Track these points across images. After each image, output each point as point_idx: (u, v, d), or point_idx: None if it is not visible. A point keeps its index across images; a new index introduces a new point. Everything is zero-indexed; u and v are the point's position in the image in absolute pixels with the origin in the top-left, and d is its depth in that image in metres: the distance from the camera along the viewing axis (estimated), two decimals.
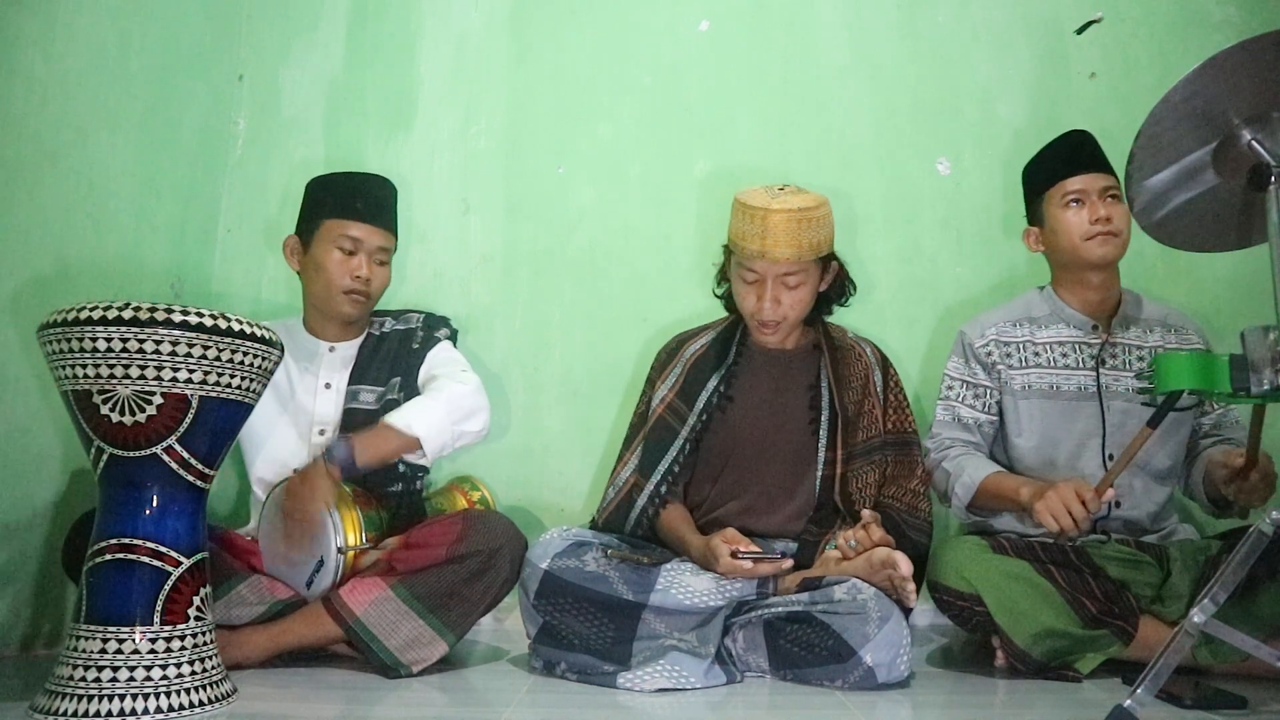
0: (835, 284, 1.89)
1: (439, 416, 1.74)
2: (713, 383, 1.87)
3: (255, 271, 2.31)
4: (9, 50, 1.63)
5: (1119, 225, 1.76)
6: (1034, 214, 1.90)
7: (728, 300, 1.95)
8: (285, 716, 1.32)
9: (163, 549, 1.30)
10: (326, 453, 1.64)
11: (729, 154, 2.34)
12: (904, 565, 1.54)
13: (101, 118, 1.85)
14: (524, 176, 2.35)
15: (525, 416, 2.26)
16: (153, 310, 1.27)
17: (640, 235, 2.32)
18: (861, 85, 2.36)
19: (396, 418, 1.71)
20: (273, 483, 1.76)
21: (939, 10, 2.38)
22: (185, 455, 1.32)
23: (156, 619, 1.28)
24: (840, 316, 1.98)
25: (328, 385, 1.89)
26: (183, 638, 1.30)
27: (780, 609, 1.57)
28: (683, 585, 1.63)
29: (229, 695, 1.35)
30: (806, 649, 1.54)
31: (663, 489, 1.82)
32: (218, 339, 1.31)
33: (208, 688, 1.31)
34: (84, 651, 1.25)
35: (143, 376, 1.27)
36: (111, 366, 1.26)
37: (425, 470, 1.92)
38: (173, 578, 1.30)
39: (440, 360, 1.92)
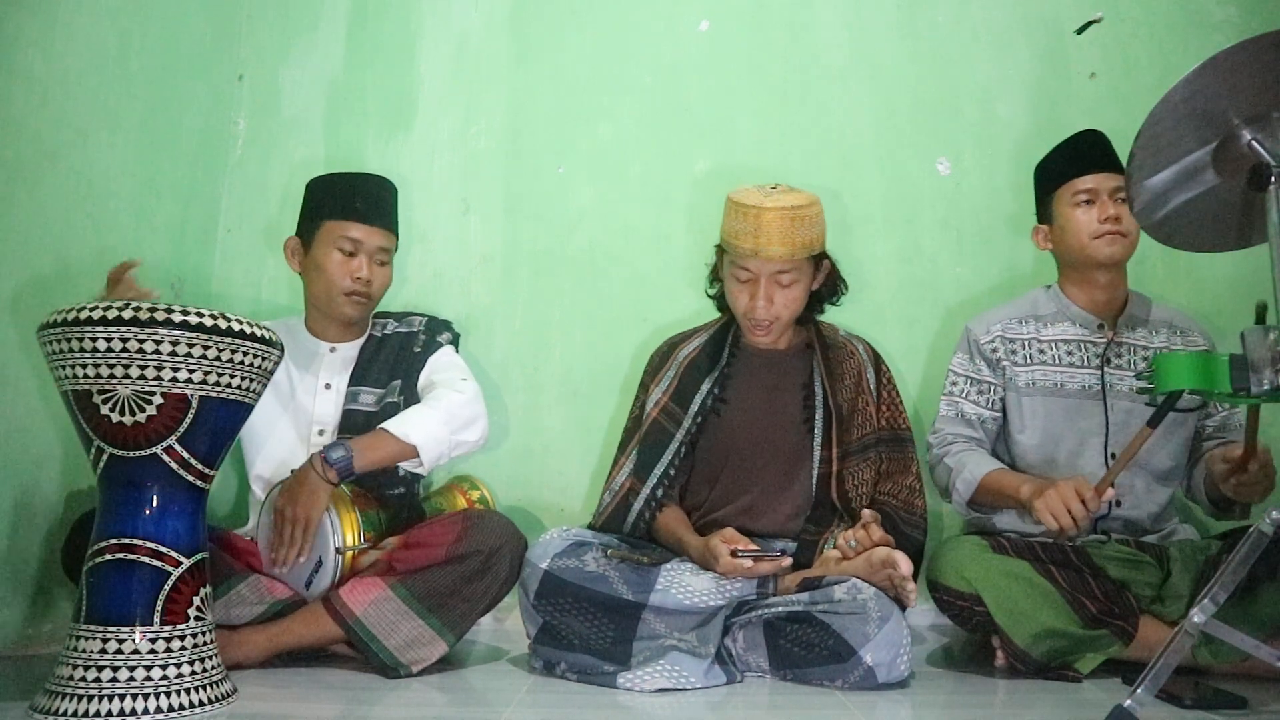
0: (827, 282, 1.89)
1: (437, 425, 1.73)
2: (706, 385, 1.87)
3: (255, 271, 2.31)
4: (9, 50, 1.63)
5: (1128, 226, 1.76)
6: (1044, 212, 1.90)
7: (720, 300, 1.95)
8: (285, 716, 1.32)
9: (163, 549, 1.30)
10: (324, 454, 1.64)
11: (729, 154, 2.34)
12: (904, 565, 1.54)
13: (101, 118, 1.85)
14: (524, 176, 2.35)
15: (525, 416, 2.26)
16: (153, 310, 1.27)
17: (640, 235, 2.32)
18: (861, 85, 2.36)
19: (395, 425, 1.70)
20: (272, 482, 1.76)
21: (939, 10, 2.38)
22: (185, 455, 1.32)
23: (156, 619, 1.28)
24: (840, 317, 1.98)
25: (328, 386, 1.89)
26: (183, 638, 1.30)
27: (780, 609, 1.57)
28: (683, 585, 1.63)
29: (229, 695, 1.35)
30: (806, 649, 1.54)
31: (659, 492, 1.83)
32: (218, 339, 1.31)
33: (208, 688, 1.31)
34: (84, 651, 1.25)
35: (143, 376, 1.27)
36: (111, 366, 1.26)
37: (426, 474, 1.92)
38: (173, 578, 1.30)
39: (441, 366, 1.92)
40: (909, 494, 1.82)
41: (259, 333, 1.36)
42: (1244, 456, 1.53)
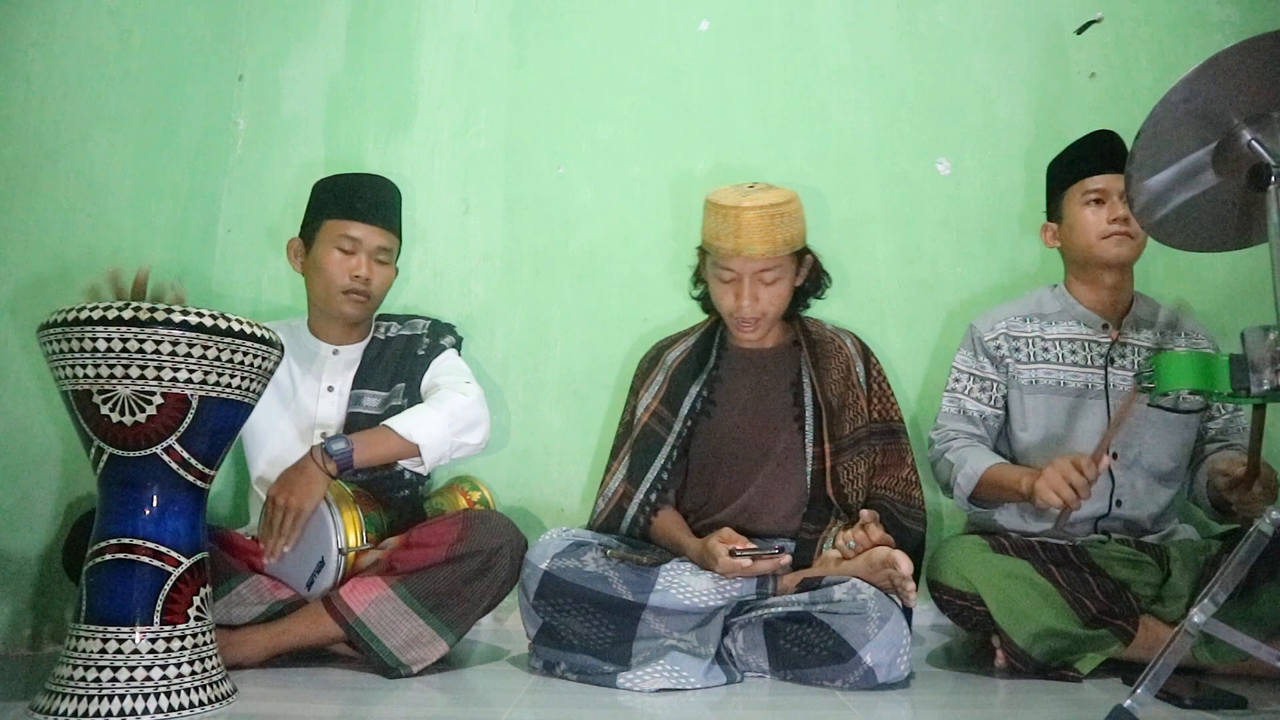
0: (811, 277, 1.90)
1: (440, 426, 1.74)
2: (695, 388, 1.87)
3: (255, 271, 2.30)
4: (9, 50, 1.63)
5: (1136, 227, 1.76)
6: (1053, 209, 1.90)
7: (705, 302, 1.95)
8: (285, 716, 1.32)
9: (163, 549, 1.30)
10: (325, 445, 1.64)
11: (729, 154, 2.34)
12: (904, 564, 1.54)
13: (101, 118, 1.85)
14: (524, 176, 2.35)
15: (525, 417, 2.26)
16: (153, 310, 1.27)
17: (640, 235, 2.32)
18: (861, 85, 2.36)
19: (398, 422, 1.71)
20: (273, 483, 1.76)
21: (939, 10, 2.38)
22: (185, 455, 1.32)
23: (156, 619, 1.28)
24: (840, 316, 1.98)
25: (330, 388, 1.89)
26: (183, 638, 1.30)
27: (780, 609, 1.57)
28: (682, 585, 1.63)
29: (229, 695, 1.35)
30: (806, 649, 1.54)
31: (652, 497, 1.83)
32: (218, 339, 1.31)
33: (208, 688, 1.31)
34: (84, 651, 1.25)
35: (143, 376, 1.27)
36: (111, 366, 1.26)
37: (427, 474, 1.92)
38: (173, 578, 1.30)
39: (445, 369, 1.92)
40: (905, 485, 1.83)
41: (259, 333, 1.36)
42: (1247, 474, 1.54)
